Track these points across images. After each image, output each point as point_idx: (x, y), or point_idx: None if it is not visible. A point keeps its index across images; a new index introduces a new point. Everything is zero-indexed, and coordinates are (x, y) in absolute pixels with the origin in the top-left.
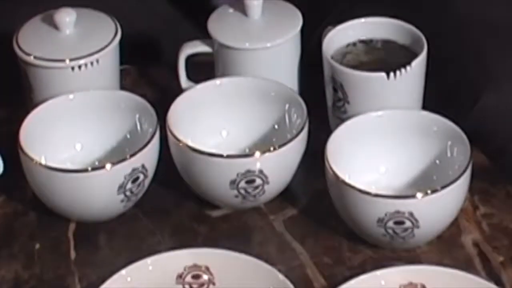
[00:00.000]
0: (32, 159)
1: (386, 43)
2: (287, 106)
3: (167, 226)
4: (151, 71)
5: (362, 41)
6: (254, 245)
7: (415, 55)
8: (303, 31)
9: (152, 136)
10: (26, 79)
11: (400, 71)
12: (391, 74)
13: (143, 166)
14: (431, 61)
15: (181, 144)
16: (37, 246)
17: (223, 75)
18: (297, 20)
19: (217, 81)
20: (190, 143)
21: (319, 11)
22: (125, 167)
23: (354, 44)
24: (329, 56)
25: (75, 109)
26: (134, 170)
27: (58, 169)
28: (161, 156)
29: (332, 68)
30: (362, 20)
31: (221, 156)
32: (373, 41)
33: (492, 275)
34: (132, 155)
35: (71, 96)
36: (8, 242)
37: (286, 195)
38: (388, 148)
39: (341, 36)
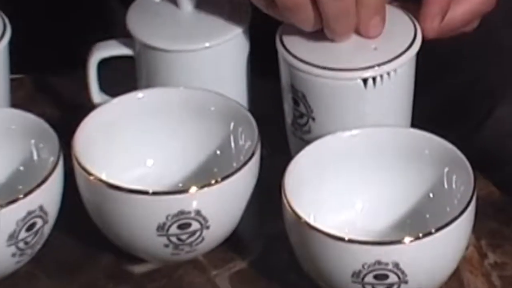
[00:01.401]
0: None
1: None
2: (232, 124)
3: (75, 287)
4: (52, 82)
5: None
6: None
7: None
8: (252, 26)
9: (54, 168)
10: None
11: (382, 76)
12: (369, 80)
13: (41, 208)
14: (422, 66)
15: (92, 178)
16: None
17: (148, 85)
18: (244, 12)
19: (139, 94)
20: (105, 177)
21: None
22: (17, 210)
23: None
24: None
25: None
26: (29, 213)
27: None
28: (65, 194)
29: (290, 72)
30: None
31: (145, 193)
32: None
33: None
34: (26, 194)
35: None
36: None
37: (232, 243)
38: (366, 178)
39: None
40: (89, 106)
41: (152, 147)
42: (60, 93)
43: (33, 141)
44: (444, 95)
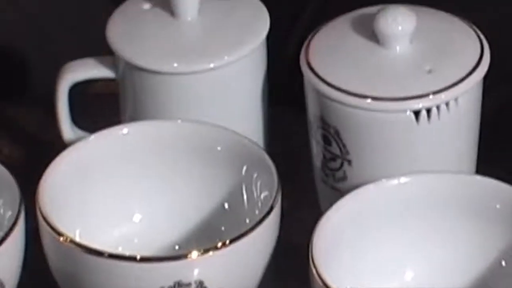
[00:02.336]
0: None
1: None
2: (244, 169)
3: None
4: (11, 113)
5: None
6: None
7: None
8: (269, 39)
9: (12, 227)
10: None
11: (438, 108)
12: (423, 112)
13: None
14: (490, 86)
15: (62, 239)
16: None
17: (134, 117)
18: (260, 20)
19: (124, 129)
20: (79, 238)
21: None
22: None
23: None
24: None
25: None
26: None
27: None
28: (27, 261)
29: (320, 101)
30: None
31: (132, 259)
32: None
33: None
34: None
35: None
36: None
37: None
38: (419, 239)
39: None
40: (59, 145)
41: (140, 198)
42: (22, 127)
43: None
44: None
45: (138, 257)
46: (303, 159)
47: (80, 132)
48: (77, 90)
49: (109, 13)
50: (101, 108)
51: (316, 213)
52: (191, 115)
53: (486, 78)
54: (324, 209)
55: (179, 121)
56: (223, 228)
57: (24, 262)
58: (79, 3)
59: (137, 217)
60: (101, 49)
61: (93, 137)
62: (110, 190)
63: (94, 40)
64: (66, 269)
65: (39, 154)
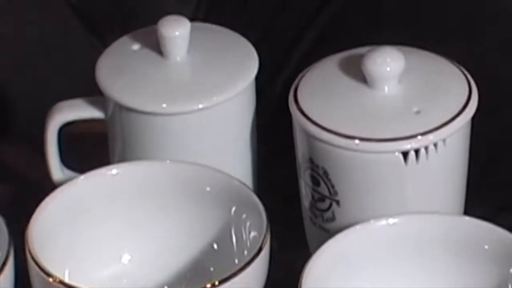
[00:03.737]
0: None
1: None
2: (233, 210)
3: None
4: None
5: None
6: None
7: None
8: (258, 78)
9: (2, 267)
10: None
11: (427, 149)
12: (411, 153)
13: None
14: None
15: (52, 280)
16: None
17: (123, 158)
18: (249, 60)
19: (113, 170)
20: (68, 278)
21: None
22: None
23: None
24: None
25: None
26: None
27: None
28: None
29: (308, 142)
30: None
31: None
32: None
33: None
34: None
35: None
36: None
37: None
38: (409, 280)
39: None
40: (47, 184)
41: (129, 239)
42: (10, 167)
43: None
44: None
45: None
46: (292, 199)
47: (69, 172)
48: (65, 130)
49: (98, 53)
50: (90, 148)
51: (304, 254)
52: (180, 156)
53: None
54: (312, 249)
55: (168, 161)
56: (212, 269)
57: None
58: (68, 43)
59: (126, 258)
60: (90, 89)
61: (83, 177)
62: (99, 230)
63: (83, 80)
64: None
65: (27, 194)
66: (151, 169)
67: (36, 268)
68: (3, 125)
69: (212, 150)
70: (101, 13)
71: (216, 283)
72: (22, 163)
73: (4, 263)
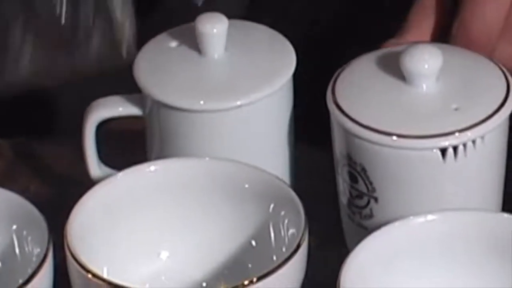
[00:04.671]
0: None
1: None
2: (271, 207)
3: None
4: (38, 149)
5: None
6: None
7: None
8: (295, 76)
9: (41, 264)
10: None
11: (465, 145)
12: (449, 150)
13: None
14: None
15: (90, 276)
16: None
17: (161, 154)
18: (287, 57)
19: (152, 166)
20: (106, 274)
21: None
22: None
23: None
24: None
25: None
26: None
27: None
28: None
29: (346, 138)
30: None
31: None
32: None
33: None
34: None
35: None
36: None
37: None
38: (447, 276)
39: None
40: (86, 182)
41: (167, 235)
42: (48, 164)
43: (14, 227)
44: None
45: None
46: (329, 196)
47: (107, 169)
48: (103, 127)
49: (136, 51)
50: (127, 145)
51: (342, 251)
52: (217, 153)
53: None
54: (350, 247)
55: (207, 158)
56: (250, 265)
57: None
58: (107, 40)
59: (164, 254)
60: (128, 86)
61: (121, 174)
62: (138, 227)
63: (121, 77)
64: None
65: (66, 191)
66: (190, 166)
67: (75, 264)
68: (42, 122)
69: (249, 147)
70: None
71: (254, 279)
72: (61, 160)
73: (43, 260)
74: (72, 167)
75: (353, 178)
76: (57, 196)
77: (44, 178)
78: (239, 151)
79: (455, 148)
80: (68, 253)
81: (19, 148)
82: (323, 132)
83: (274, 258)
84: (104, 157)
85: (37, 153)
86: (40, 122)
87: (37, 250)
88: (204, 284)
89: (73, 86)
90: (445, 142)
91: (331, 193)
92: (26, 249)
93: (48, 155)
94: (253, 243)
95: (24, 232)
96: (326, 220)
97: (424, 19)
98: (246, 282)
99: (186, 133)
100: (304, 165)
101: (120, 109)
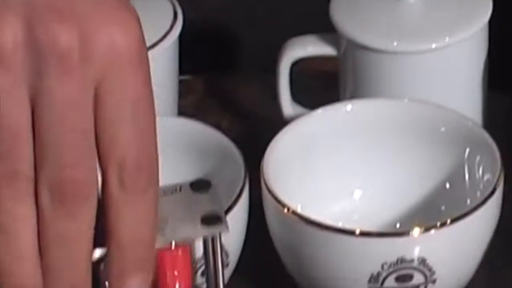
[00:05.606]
0: None
1: None
2: (467, 151)
3: None
4: (229, 86)
5: None
6: None
7: None
8: (491, 22)
9: (238, 197)
10: None
11: None
12: None
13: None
14: None
15: (286, 211)
16: None
17: (355, 95)
18: (483, 4)
19: (348, 106)
20: (300, 210)
21: None
22: None
23: None
24: None
25: None
26: None
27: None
28: (249, 231)
29: None
30: None
31: (352, 233)
32: None
33: None
34: None
35: None
36: None
37: None
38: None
39: None
40: (277, 120)
41: (361, 175)
42: (240, 100)
43: (214, 161)
44: None
45: (358, 231)
46: None
47: (299, 109)
48: (297, 68)
49: None
50: (319, 85)
51: None
52: (409, 95)
53: None
54: None
55: (406, 100)
56: (443, 208)
57: (247, 232)
58: None
59: (357, 194)
60: (322, 26)
61: (319, 111)
62: (332, 165)
63: (316, 16)
64: (288, 240)
65: (257, 128)
66: (386, 106)
67: (272, 199)
68: (234, 59)
69: (441, 91)
70: None
71: (448, 221)
72: (254, 98)
73: (240, 193)
74: (262, 105)
75: None
76: (251, 133)
77: (235, 114)
78: (430, 94)
79: None
80: (264, 189)
81: (210, 83)
82: None
83: (468, 201)
84: (296, 97)
85: (228, 89)
86: (230, 59)
87: (233, 184)
88: (397, 225)
89: (266, 24)
90: None
91: None
92: (224, 182)
93: (239, 91)
94: (447, 185)
95: (221, 166)
96: None
97: None
98: (439, 224)
99: (380, 74)
100: (496, 111)
101: (314, 48)
